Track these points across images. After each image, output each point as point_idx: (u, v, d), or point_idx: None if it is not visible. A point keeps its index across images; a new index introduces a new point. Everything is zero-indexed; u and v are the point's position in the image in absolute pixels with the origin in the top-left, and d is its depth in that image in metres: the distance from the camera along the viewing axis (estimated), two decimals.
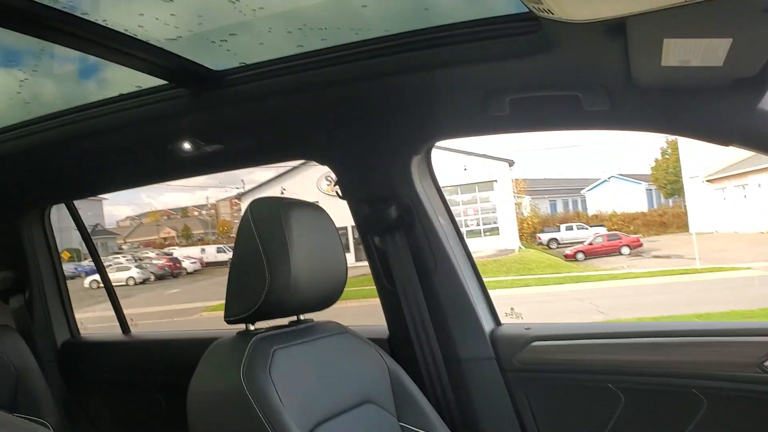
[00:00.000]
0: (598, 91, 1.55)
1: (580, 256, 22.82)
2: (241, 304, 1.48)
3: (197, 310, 14.36)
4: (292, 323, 1.62)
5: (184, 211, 43.28)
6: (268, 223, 1.48)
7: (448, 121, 1.83)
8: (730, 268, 18.90)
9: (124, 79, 1.83)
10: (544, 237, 25.93)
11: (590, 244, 24.79)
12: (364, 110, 1.86)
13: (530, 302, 13.72)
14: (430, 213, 1.91)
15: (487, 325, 1.93)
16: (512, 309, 9.51)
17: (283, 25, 1.64)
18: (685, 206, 34.53)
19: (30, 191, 2.51)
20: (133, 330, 2.73)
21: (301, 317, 1.64)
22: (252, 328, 1.51)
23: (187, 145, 2.02)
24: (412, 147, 1.88)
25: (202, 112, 1.93)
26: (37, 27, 1.53)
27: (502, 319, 2.03)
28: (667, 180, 31.67)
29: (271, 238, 1.47)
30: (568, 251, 23.04)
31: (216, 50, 1.75)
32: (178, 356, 2.07)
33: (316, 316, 1.69)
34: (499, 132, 1.83)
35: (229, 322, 1.52)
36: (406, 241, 1.90)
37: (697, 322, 1.99)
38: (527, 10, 1.38)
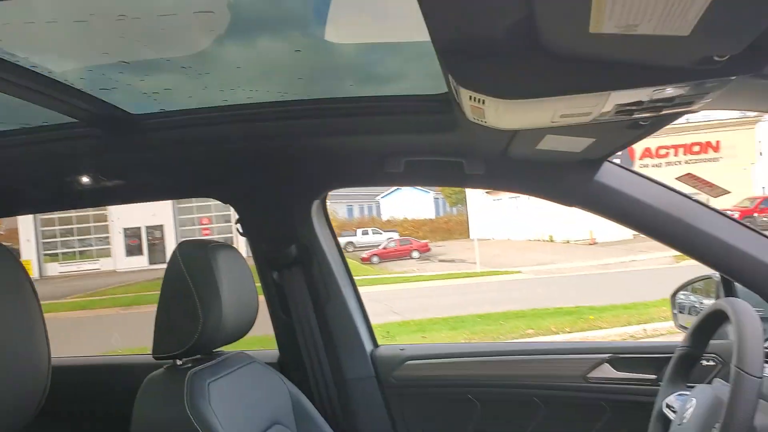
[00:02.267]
0: (477, 161, 1.89)
1: (376, 259, 24.00)
2: (172, 341, 1.61)
3: None
4: (212, 355, 1.75)
5: None
6: (198, 266, 1.62)
7: (347, 174, 2.08)
8: (504, 272, 20.92)
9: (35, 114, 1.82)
10: (342, 241, 26.69)
11: (384, 248, 26.11)
12: (269, 159, 2.04)
13: None
14: (326, 252, 2.14)
15: (368, 347, 2.21)
16: None
17: (200, 82, 1.75)
18: (467, 214, 37.44)
19: None
20: None
21: (215, 350, 1.79)
22: (179, 362, 1.64)
23: (85, 179, 2.05)
24: (313, 193, 2.10)
25: (112, 151, 1.96)
26: None
27: None
28: (452, 190, 34.15)
29: (203, 280, 1.61)
30: (365, 255, 24.10)
31: (132, 94, 1.80)
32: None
33: None
34: (390, 185, 2.12)
35: (159, 358, 1.64)
36: (303, 277, 2.12)
37: (537, 342, 2.42)
38: (437, 93, 1.66)
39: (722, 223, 1.78)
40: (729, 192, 23.73)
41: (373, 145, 1.93)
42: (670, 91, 1.07)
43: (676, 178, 18.36)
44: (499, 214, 29.52)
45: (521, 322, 10.82)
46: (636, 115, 1.26)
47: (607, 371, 2.01)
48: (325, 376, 2.13)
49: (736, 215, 24.58)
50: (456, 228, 39.63)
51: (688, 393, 1.49)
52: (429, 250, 29.45)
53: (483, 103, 1.14)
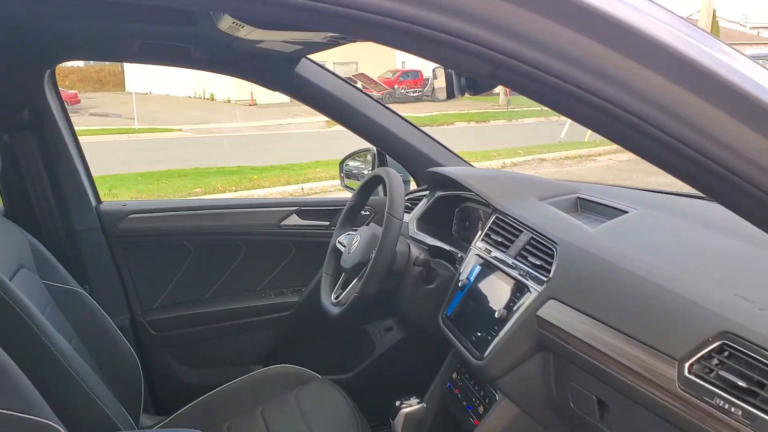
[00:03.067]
0: (203, 48, 2.26)
1: None
2: None
3: None
4: None
5: None
6: None
7: (82, 48, 2.26)
8: (165, 129, 20.72)
9: None
10: None
11: None
12: (1, 30, 2.12)
13: None
14: (57, 116, 2.33)
15: (94, 203, 2.51)
16: None
17: None
18: (122, 65, 35.18)
19: None
20: None
21: None
22: None
23: None
24: (48, 62, 2.25)
25: None
26: None
27: None
28: None
29: None
30: None
31: None
32: None
33: None
34: (124, 61, 2.35)
35: None
36: (35, 140, 2.30)
37: (242, 198, 2.91)
38: None
39: (381, 111, 2.47)
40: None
41: (109, 27, 2.15)
42: None
43: (353, 76, 20.60)
44: (158, 67, 28.40)
45: (186, 181, 11.16)
46: (339, 40, 1.82)
47: (295, 220, 2.64)
48: (57, 228, 2.39)
49: (382, 85, 27.41)
50: (109, 79, 37.13)
51: (353, 233, 2.16)
52: (79, 101, 27.41)
53: (241, 26, 1.57)
